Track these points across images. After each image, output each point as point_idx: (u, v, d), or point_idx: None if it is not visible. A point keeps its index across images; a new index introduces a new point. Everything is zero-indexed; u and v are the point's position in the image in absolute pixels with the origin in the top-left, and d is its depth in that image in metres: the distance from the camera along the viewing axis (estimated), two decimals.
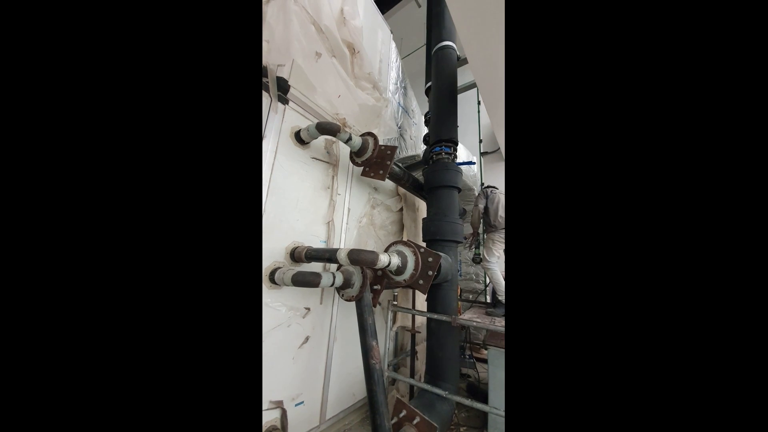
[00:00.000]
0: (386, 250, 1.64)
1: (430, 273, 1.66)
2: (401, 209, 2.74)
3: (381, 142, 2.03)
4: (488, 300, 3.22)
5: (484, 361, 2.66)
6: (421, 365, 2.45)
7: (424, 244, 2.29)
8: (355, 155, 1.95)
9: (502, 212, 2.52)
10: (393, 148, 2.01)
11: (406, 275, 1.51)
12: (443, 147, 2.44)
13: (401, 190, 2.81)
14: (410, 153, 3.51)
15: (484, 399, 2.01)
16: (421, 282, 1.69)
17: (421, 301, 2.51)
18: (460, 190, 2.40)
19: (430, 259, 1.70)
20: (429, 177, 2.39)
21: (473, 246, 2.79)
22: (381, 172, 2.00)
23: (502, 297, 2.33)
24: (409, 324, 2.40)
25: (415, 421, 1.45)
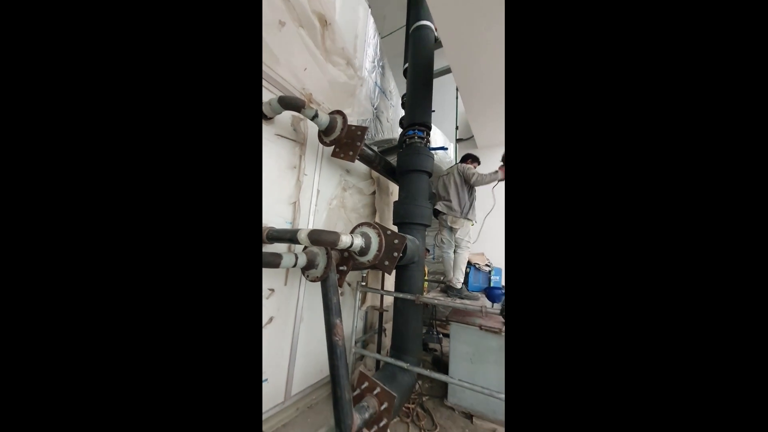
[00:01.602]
0: (352, 232, 1.65)
1: (396, 254, 1.71)
2: (374, 193, 2.73)
3: (355, 123, 1.98)
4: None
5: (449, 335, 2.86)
6: (388, 342, 2.58)
7: (395, 228, 2.33)
8: (323, 134, 1.89)
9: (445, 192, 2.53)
10: (363, 129, 1.97)
11: (370, 256, 1.54)
12: (416, 131, 2.44)
13: (374, 173, 2.79)
14: (387, 136, 3.47)
15: (446, 370, 2.19)
16: (386, 263, 1.73)
17: (391, 282, 2.59)
18: (430, 174, 2.44)
19: (396, 241, 1.73)
20: (401, 161, 2.39)
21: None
22: (351, 153, 1.96)
23: (456, 282, 2.39)
24: (379, 304, 2.48)
25: (375, 392, 1.54)
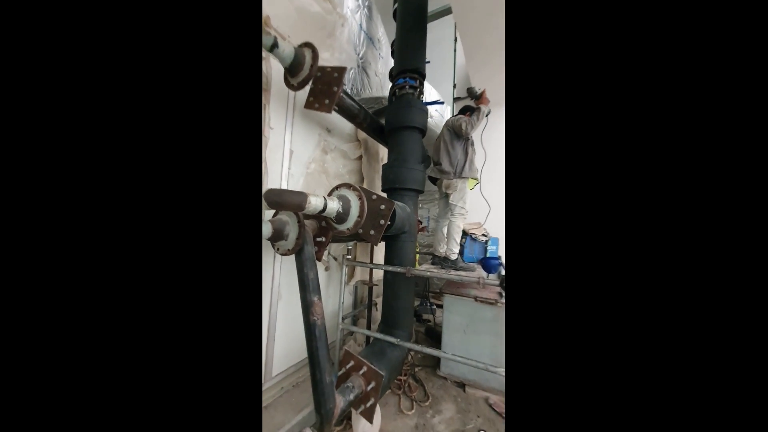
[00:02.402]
0: (329, 195, 1.38)
1: (382, 222, 1.47)
2: (360, 157, 2.41)
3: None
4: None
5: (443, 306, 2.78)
6: (380, 316, 2.47)
7: (385, 195, 2.07)
8: (288, 74, 1.51)
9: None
10: (341, 70, 1.59)
11: (350, 223, 1.30)
12: (407, 79, 2.05)
13: (361, 134, 2.44)
14: (375, 94, 3.03)
15: (440, 340, 2.11)
16: (372, 232, 1.49)
17: (382, 256, 2.40)
18: (424, 133, 2.11)
19: (383, 207, 1.48)
20: (390, 116, 2.05)
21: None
22: (327, 101, 1.61)
23: (451, 253, 2.18)
24: (368, 278, 2.31)
25: (362, 371, 1.41)
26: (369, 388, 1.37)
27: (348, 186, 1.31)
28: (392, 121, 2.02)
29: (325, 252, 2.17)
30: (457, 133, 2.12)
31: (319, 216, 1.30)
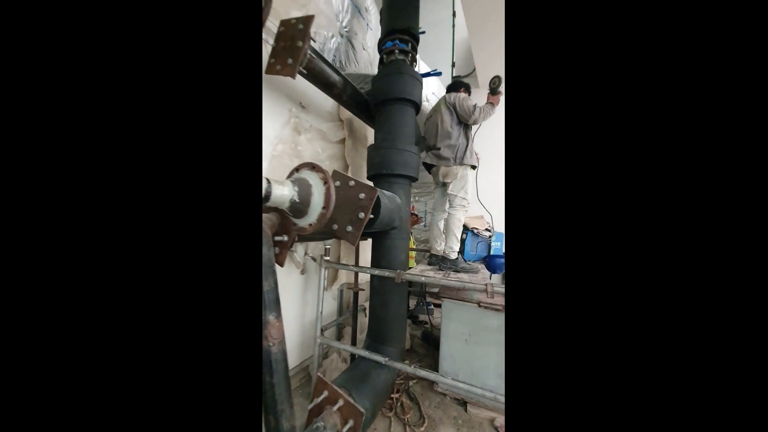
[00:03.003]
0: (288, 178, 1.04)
1: (362, 216, 1.13)
2: (344, 140, 2.05)
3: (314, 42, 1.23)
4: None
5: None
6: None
7: (370, 183, 1.73)
8: None
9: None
10: (307, 20, 1.23)
11: (312, 217, 0.96)
12: (396, 42, 1.69)
13: (345, 113, 2.07)
14: (363, 71, 2.64)
15: (439, 347, 1.85)
16: (349, 229, 1.16)
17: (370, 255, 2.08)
18: (418, 108, 1.76)
19: (362, 196, 1.15)
20: (376, 86, 1.68)
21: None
22: (290, 62, 1.25)
23: (450, 251, 1.85)
24: (353, 281, 1.99)
25: (337, 405, 1.10)
26: (346, 429, 1.07)
27: (311, 166, 0.97)
28: (379, 92, 1.66)
29: (301, 252, 1.85)
30: (461, 116, 1.78)
31: (279, 209, 0.97)
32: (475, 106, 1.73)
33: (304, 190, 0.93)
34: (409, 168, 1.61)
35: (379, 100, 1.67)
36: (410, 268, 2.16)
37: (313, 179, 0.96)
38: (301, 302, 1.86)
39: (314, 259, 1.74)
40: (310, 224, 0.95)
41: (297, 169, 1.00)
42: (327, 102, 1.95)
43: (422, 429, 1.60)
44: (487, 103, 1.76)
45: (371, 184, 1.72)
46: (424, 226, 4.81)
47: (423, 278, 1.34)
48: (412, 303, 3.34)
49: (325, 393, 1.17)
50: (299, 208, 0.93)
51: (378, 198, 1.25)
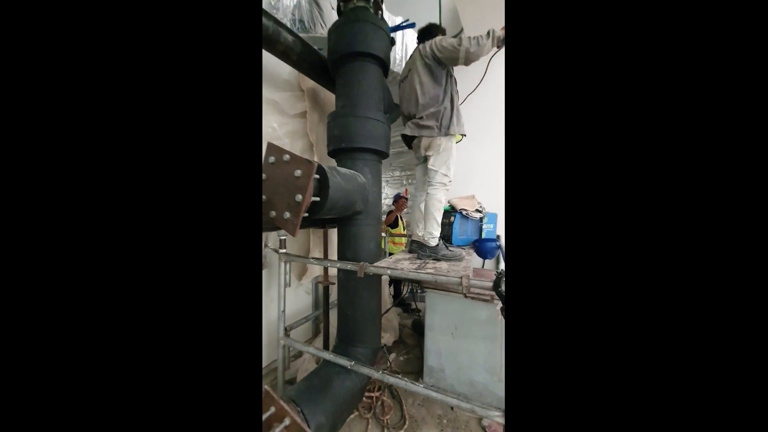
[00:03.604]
0: None
1: (299, 198, 0.90)
2: (305, 113, 1.77)
3: None
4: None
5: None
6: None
7: (334, 162, 1.47)
8: None
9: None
10: None
11: None
12: None
13: (309, 82, 1.77)
14: None
15: None
16: (287, 215, 0.93)
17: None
18: (386, 67, 1.45)
19: (298, 173, 0.90)
20: (332, 40, 1.38)
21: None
22: None
23: (429, 237, 1.51)
24: (323, 275, 1.79)
25: (283, 425, 0.93)
26: None
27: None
28: (335, 47, 1.36)
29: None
30: (447, 59, 1.33)
31: None
32: (459, 41, 1.28)
33: None
34: (375, 140, 1.34)
35: (335, 58, 1.37)
36: (391, 255, 1.95)
37: None
38: (264, 300, 1.68)
39: (277, 252, 1.53)
40: None
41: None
42: (281, 68, 1.64)
43: (402, 431, 1.46)
44: (485, 35, 1.27)
45: (335, 163, 1.46)
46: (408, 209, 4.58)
47: (389, 271, 1.12)
48: (404, 291, 3.19)
49: (272, 408, 1.00)
50: None
51: (325, 175, 1.00)
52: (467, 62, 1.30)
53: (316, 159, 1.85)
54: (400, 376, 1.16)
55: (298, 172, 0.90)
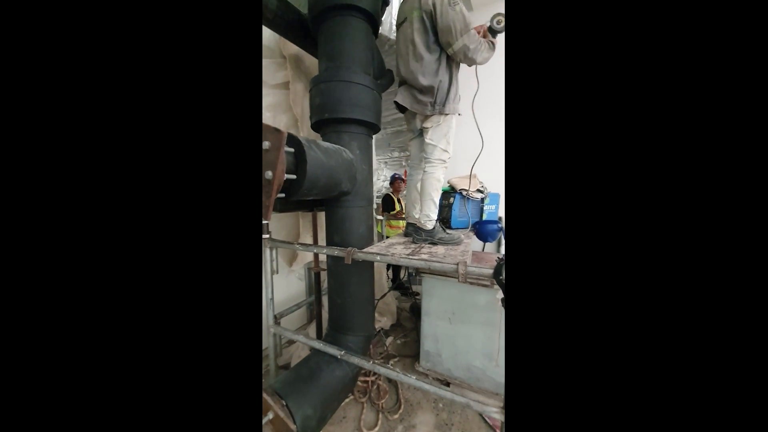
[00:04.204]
0: None
1: (269, 175, 0.77)
2: (288, 84, 1.58)
3: None
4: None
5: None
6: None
7: (318, 138, 1.32)
8: None
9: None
10: None
11: None
12: None
13: (290, 48, 1.57)
14: None
15: None
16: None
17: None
18: (375, 23, 1.25)
19: (267, 145, 0.77)
20: None
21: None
22: None
23: (426, 220, 1.37)
24: (313, 261, 1.70)
25: (267, 417, 0.88)
26: None
27: None
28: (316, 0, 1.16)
29: None
30: (442, 31, 1.12)
31: None
32: (467, 23, 1.09)
33: None
34: (363, 109, 1.18)
35: (316, 13, 1.17)
36: (387, 238, 1.85)
37: None
38: None
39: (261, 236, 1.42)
40: None
41: None
42: (264, 35, 1.44)
43: (396, 416, 1.44)
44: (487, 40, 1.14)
45: (320, 137, 1.31)
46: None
47: (378, 257, 1.01)
48: (403, 273, 3.14)
49: None
50: None
51: (301, 148, 0.87)
52: (460, 55, 1.12)
53: (302, 135, 1.70)
54: (392, 366, 1.10)
55: (266, 144, 0.76)
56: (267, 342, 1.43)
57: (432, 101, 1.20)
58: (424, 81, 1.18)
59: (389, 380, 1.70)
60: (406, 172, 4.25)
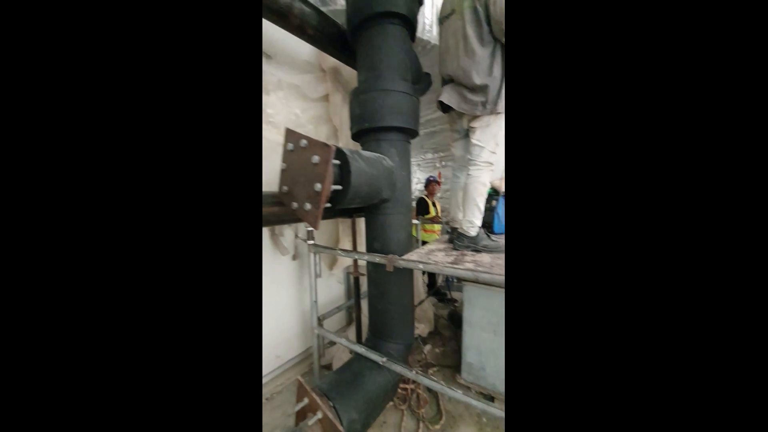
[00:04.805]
0: None
1: (318, 188, 0.81)
2: (328, 96, 1.66)
3: None
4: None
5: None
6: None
7: (359, 147, 1.36)
8: None
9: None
10: None
11: None
12: None
13: (329, 60, 1.65)
14: None
15: None
16: (307, 207, 0.86)
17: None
18: (412, 24, 1.24)
19: (316, 159, 0.81)
20: (351, 3, 1.21)
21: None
22: None
23: (469, 226, 1.30)
24: (353, 266, 1.74)
25: (316, 417, 0.92)
26: None
27: None
28: (355, 11, 1.19)
29: (289, 235, 1.64)
30: (496, 22, 1.02)
31: None
32: None
33: None
34: (402, 116, 1.17)
35: (354, 25, 1.20)
36: (425, 244, 1.81)
37: None
38: (297, 289, 1.71)
39: (305, 240, 1.51)
40: None
41: None
42: (301, 48, 1.54)
43: (438, 427, 1.40)
44: None
45: (359, 147, 1.34)
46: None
47: (420, 265, 0.99)
48: (440, 278, 3.05)
49: (306, 400, 1.00)
50: None
51: (346, 160, 0.90)
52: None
53: (341, 145, 1.76)
54: (435, 378, 1.06)
55: (315, 158, 0.80)
56: (311, 342, 1.51)
57: (484, 101, 1.13)
58: (477, 79, 1.11)
59: (429, 389, 1.65)
60: (440, 174, 4.13)
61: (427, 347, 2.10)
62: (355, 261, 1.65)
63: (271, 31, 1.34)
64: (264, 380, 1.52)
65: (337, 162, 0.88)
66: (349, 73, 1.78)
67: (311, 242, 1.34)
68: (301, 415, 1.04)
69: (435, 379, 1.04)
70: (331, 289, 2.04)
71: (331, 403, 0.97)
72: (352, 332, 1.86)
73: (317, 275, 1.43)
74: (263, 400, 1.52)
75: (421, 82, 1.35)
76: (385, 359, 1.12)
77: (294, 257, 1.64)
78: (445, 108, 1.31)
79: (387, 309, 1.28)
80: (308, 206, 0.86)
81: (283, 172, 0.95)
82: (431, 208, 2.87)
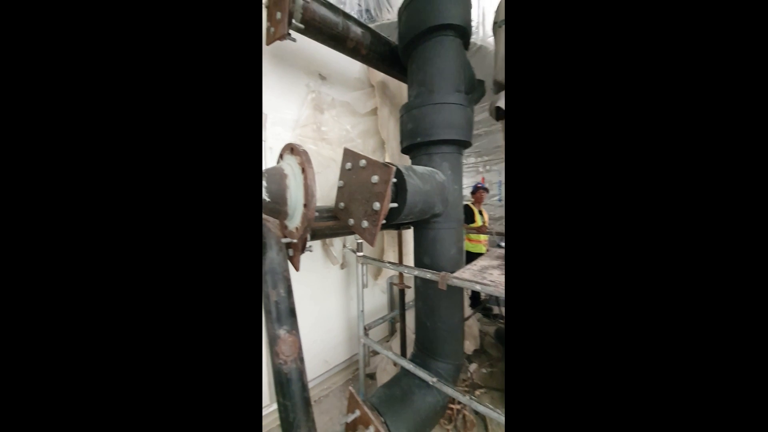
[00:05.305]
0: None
1: (377, 206, 0.83)
2: (376, 110, 1.70)
3: None
4: None
5: None
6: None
7: (408, 159, 1.36)
8: None
9: None
10: None
11: (295, 219, 0.72)
12: None
13: (377, 76, 1.70)
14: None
15: None
16: (365, 224, 0.88)
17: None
18: (466, 34, 1.20)
19: (375, 179, 0.83)
20: (404, 21, 1.23)
21: None
22: (278, 16, 0.99)
23: None
24: (398, 278, 1.74)
25: (369, 429, 0.93)
26: None
27: (290, 149, 0.71)
28: (408, 27, 1.21)
29: (338, 245, 1.70)
30: None
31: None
32: None
33: (276, 183, 0.69)
34: (455, 129, 1.14)
35: (407, 41, 1.22)
36: (480, 255, 1.71)
37: (292, 166, 0.71)
38: (344, 297, 1.78)
39: (354, 251, 1.57)
40: (296, 228, 0.72)
41: (281, 156, 0.77)
42: (352, 66, 1.62)
43: None
44: None
45: (409, 161, 1.35)
46: (499, 200, 3.95)
47: (478, 286, 0.94)
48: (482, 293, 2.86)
49: (357, 412, 1.02)
50: (274, 208, 0.71)
51: (403, 179, 0.90)
52: None
53: (387, 157, 1.79)
54: (491, 406, 0.98)
55: (375, 178, 0.82)
56: (356, 350, 1.55)
57: None
58: None
59: (476, 412, 1.54)
60: (483, 179, 3.90)
61: (473, 366, 1.97)
62: (401, 273, 1.64)
63: (326, 54, 1.44)
64: (312, 383, 1.60)
65: (394, 180, 0.89)
66: (396, 86, 1.80)
67: (360, 254, 1.38)
68: (352, 427, 1.06)
69: (491, 407, 0.96)
70: (375, 298, 2.06)
71: (383, 419, 0.97)
72: (394, 343, 1.85)
73: (364, 285, 1.47)
74: (312, 402, 1.60)
75: (474, 91, 1.30)
76: (435, 380, 1.08)
77: (342, 266, 1.72)
78: (500, 115, 1.25)
79: (436, 326, 1.24)
80: (365, 224, 0.88)
81: (340, 189, 1.00)
82: (477, 217, 2.71)
